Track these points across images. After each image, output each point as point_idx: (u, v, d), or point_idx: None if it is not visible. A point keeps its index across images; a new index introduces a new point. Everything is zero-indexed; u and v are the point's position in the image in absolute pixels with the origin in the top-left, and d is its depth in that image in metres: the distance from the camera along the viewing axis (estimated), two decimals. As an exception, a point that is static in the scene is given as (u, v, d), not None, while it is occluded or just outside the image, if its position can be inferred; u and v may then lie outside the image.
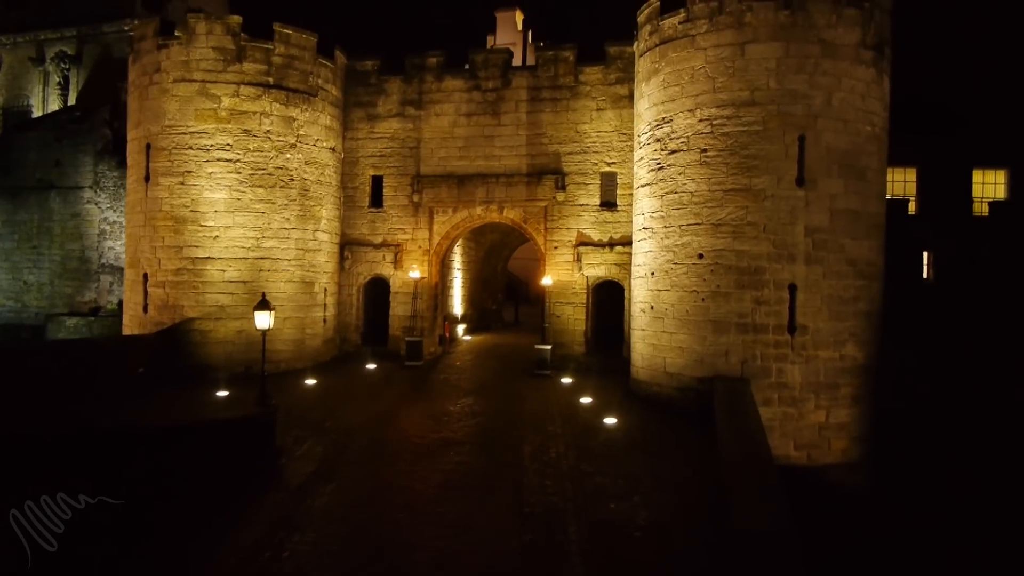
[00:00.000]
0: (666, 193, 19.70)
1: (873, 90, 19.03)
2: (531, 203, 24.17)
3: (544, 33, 63.33)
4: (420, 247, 25.01)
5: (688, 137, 19.21)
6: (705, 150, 18.92)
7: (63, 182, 34.29)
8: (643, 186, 20.67)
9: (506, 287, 36.23)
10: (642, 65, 20.88)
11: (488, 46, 57.93)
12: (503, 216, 24.61)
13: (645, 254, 20.49)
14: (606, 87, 23.60)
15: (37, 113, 43.19)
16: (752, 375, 18.35)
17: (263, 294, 17.18)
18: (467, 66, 24.69)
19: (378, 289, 25.75)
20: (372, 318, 25.92)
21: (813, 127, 18.29)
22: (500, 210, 24.48)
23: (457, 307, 29.31)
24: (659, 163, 19.92)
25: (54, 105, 43.11)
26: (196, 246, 22.01)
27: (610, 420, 18.11)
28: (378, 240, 25.37)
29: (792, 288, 18.27)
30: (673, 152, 19.53)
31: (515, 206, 24.30)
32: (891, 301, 21.51)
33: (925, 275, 29.10)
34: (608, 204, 23.64)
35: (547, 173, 23.96)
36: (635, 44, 21.68)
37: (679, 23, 19.46)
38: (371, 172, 25.50)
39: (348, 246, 25.46)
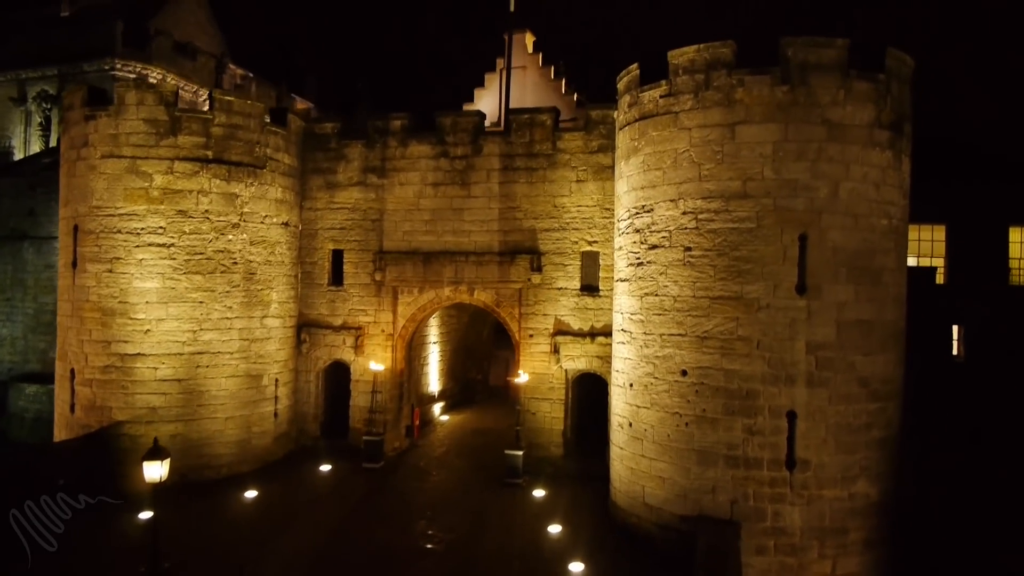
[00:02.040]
0: (646, 294, 16.95)
1: (890, 176, 16.11)
2: (504, 285, 21.54)
3: (555, 55, 60.63)
4: (383, 331, 22.50)
5: (670, 232, 16.45)
6: (689, 248, 16.14)
7: (37, 232, 32.54)
8: (622, 280, 17.94)
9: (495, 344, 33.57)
10: (621, 140, 18.16)
11: (497, 68, 55.57)
12: (474, 298, 22.01)
13: (623, 360, 17.75)
14: (587, 156, 20.89)
15: (19, 155, 41.71)
16: (743, 517, 15.52)
17: (155, 439, 14.73)
18: (435, 130, 22.13)
19: (339, 374, 23.32)
20: (333, 405, 23.49)
21: (817, 224, 15.44)
22: (470, 292, 21.89)
23: (433, 384, 26.79)
24: (638, 258, 17.18)
25: (36, 146, 41.57)
26: (125, 341, 19.76)
27: (577, 567, 15.38)
28: (338, 322, 22.92)
29: (791, 416, 15.42)
30: (654, 247, 16.78)
31: (487, 288, 21.69)
32: (915, 384, 18.56)
33: (955, 352, 25.94)
34: (589, 288, 20.92)
35: (522, 252, 21.31)
36: (615, 112, 18.97)
37: (660, 97, 16.71)
38: (331, 246, 23.07)
39: (306, 328, 23.05)
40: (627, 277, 17.60)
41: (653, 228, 16.79)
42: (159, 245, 19.81)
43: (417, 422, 24.25)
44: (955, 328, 25.83)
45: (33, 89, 41.41)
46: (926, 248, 27.67)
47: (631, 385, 17.32)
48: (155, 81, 39.15)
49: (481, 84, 56.03)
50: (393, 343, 22.50)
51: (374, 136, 22.64)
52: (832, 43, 15.53)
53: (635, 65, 17.64)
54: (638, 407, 17.08)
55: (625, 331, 17.65)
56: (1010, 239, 26.91)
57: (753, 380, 15.54)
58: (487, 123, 55.52)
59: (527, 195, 21.34)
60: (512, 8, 26.65)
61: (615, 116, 19.02)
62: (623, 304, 17.82)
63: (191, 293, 20.05)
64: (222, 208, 20.39)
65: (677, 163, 16.36)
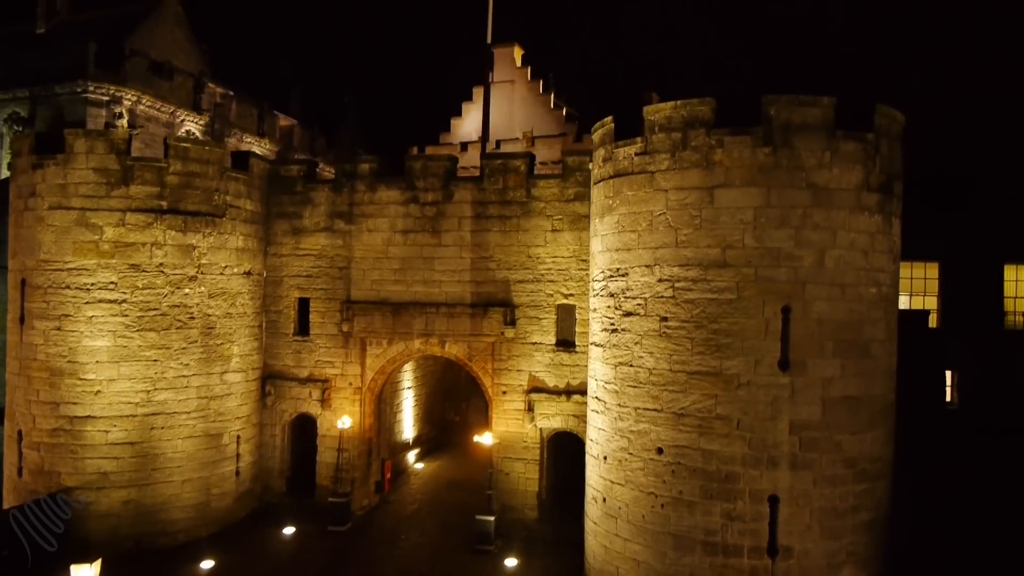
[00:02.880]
0: (620, 363, 15.94)
1: (879, 242, 15.13)
2: (476, 338, 20.51)
3: (544, 68, 59.71)
4: (351, 384, 21.46)
5: (646, 299, 15.44)
6: (666, 319, 15.14)
7: (3, 260, 31.41)
8: (596, 345, 16.93)
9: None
10: (596, 195, 17.15)
11: (488, 81, 54.56)
12: (445, 351, 20.99)
13: (597, 431, 16.74)
14: (563, 204, 19.87)
15: (-9, 178, 40.52)
16: (723, 608, 14.55)
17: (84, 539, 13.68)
18: (404, 174, 21.09)
19: (306, 427, 22.28)
20: (300, 460, 22.46)
21: (801, 295, 14.45)
22: (441, 344, 20.87)
23: (408, 430, 25.76)
24: (613, 324, 16.17)
25: (7, 171, 40.41)
26: (74, 403, 18.69)
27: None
28: (304, 374, 21.88)
29: (773, 500, 14.43)
30: (628, 315, 15.77)
31: (458, 341, 20.67)
32: (906, 433, 17.60)
33: (949, 398, 25.02)
34: (565, 343, 19.91)
35: (494, 304, 20.29)
36: (591, 163, 17.96)
37: (636, 155, 15.70)
38: (297, 294, 22.02)
39: (271, 379, 22.00)
40: (601, 343, 16.59)
41: (628, 294, 15.78)
42: (110, 301, 18.75)
43: (388, 475, 23.22)
44: (948, 374, 24.92)
45: (4, 111, 40.22)
46: (919, 286, 26.79)
47: (605, 458, 16.31)
48: (129, 103, 38.17)
49: (469, 98, 55.18)
50: (361, 397, 21.46)
51: (341, 180, 21.60)
52: (817, 102, 14.55)
53: (609, 118, 16.65)
54: (612, 483, 16.06)
55: (599, 400, 16.64)
56: (1005, 277, 26.04)
57: (733, 462, 14.55)
58: (475, 138, 54.56)
59: (500, 244, 20.32)
60: (489, 40, 25.57)
61: (590, 166, 18.02)
62: (597, 371, 16.81)
63: (145, 351, 18.99)
64: (178, 261, 19.33)
65: (653, 226, 15.36)
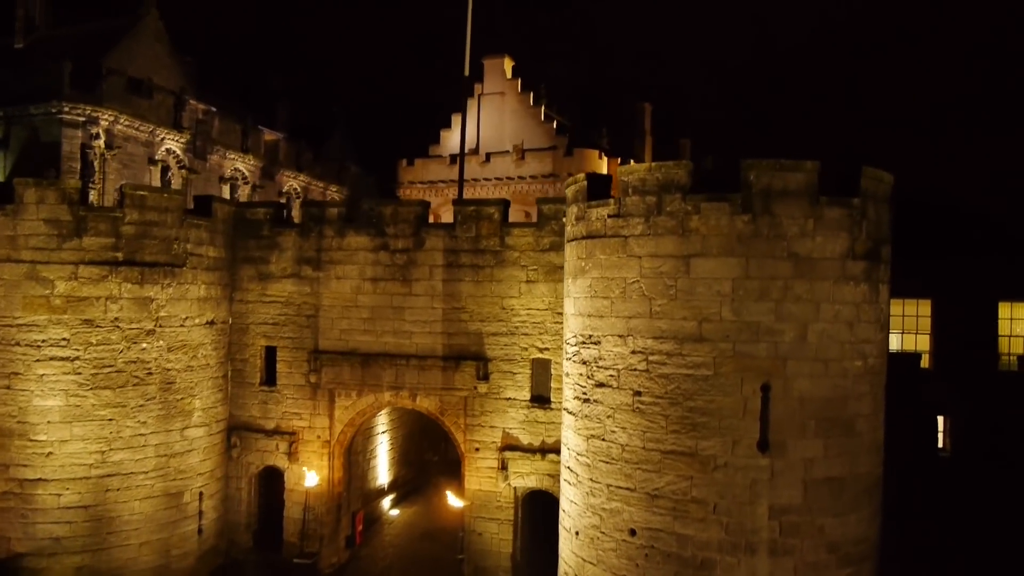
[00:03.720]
0: (592, 436, 15.10)
1: (865, 312, 14.28)
2: (448, 392, 19.66)
3: (536, 78, 58.82)
4: (319, 436, 20.61)
5: (619, 371, 14.59)
6: (639, 393, 14.29)
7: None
8: (569, 412, 16.08)
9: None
10: (569, 254, 16.30)
11: (476, 94, 53.68)
12: (416, 404, 20.15)
13: (570, 503, 15.91)
14: (538, 254, 19.01)
15: (-37, 199, 39.57)
16: None
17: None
18: (374, 220, 20.20)
19: (274, 479, 21.43)
20: (267, 513, 21.60)
21: (781, 372, 13.61)
22: (412, 397, 20.02)
23: (383, 476, 24.91)
24: (585, 393, 15.32)
25: (-18, 190, 39.46)
26: (24, 465, 17.84)
27: None
28: (271, 425, 21.02)
29: (752, 590, 13.62)
30: (601, 385, 14.92)
31: (430, 394, 19.82)
32: (895, 481, 16.82)
33: (941, 444, 24.21)
34: (540, 400, 19.07)
35: (467, 358, 19.43)
36: (565, 218, 17.10)
37: (609, 217, 14.84)
38: (263, 343, 21.15)
39: (236, 431, 21.14)
40: (574, 411, 15.74)
41: (600, 363, 14.93)
42: (62, 359, 17.89)
43: (360, 527, 22.39)
44: (940, 419, 24.10)
45: (-22, 132, 39.31)
46: (911, 324, 26.00)
47: (577, 533, 15.48)
48: (106, 124, 37.22)
49: (458, 110, 54.27)
50: (330, 450, 20.61)
51: (309, 224, 20.71)
52: (800, 166, 13.70)
53: (583, 175, 15.81)
54: (584, 560, 15.23)
55: (572, 471, 15.80)
56: (1000, 315, 25.24)
57: (709, 548, 13.73)
58: (466, 149, 53.51)
59: (473, 295, 19.46)
60: (467, 72, 24.71)
61: (564, 220, 17.15)
62: (570, 440, 15.97)
63: (99, 410, 18.14)
64: (134, 315, 18.47)
65: (626, 294, 14.50)
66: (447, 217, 53.64)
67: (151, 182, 40.51)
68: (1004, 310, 25.29)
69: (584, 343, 15.39)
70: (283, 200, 50.69)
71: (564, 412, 16.49)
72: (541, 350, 19.03)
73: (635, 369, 14.36)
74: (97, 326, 18.12)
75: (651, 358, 14.16)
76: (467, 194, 51.92)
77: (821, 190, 13.74)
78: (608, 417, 14.76)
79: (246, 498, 21.38)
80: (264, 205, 21.48)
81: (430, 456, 28.20)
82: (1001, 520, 21.99)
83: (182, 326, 19.38)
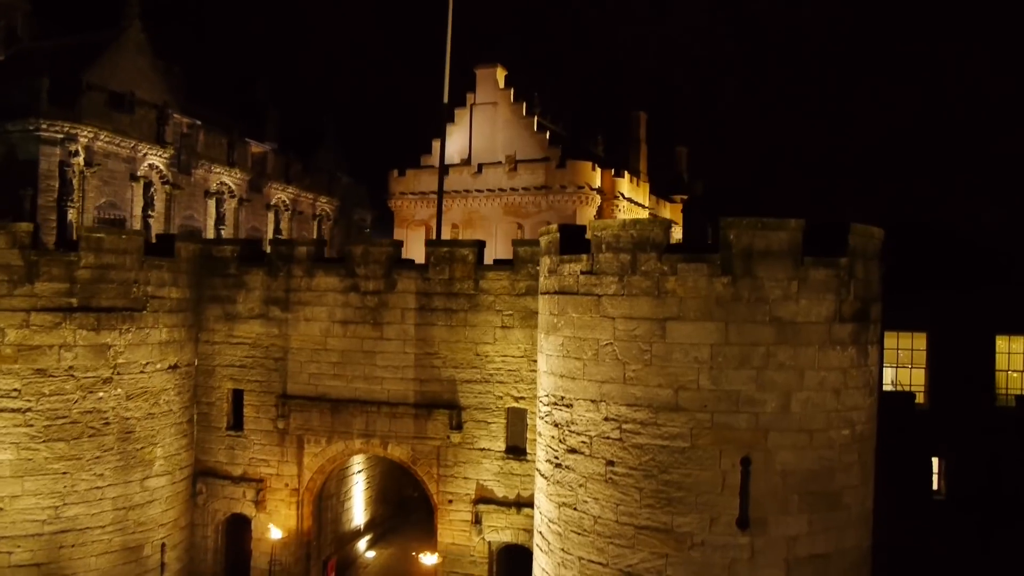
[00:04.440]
0: (564, 504, 14.25)
1: (853, 377, 13.43)
2: (421, 441, 18.83)
3: (530, 86, 57.95)
4: (287, 484, 19.78)
5: (591, 438, 13.74)
6: (612, 463, 13.45)
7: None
8: (541, 475, 15.22)
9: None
10: (542, 307, 15.44)
11: (468, 104, 52.74)
12: (388, 452, 19.34)
13: (542, 571, 15.06)
14: (513, 298, 18.15)
15: (-59, 217, 38.73)
16: None
17: None
18: (343, 260, 19.36)
19: (241, 525, 20.59)
20: (235, 563, 20.77)
21: (763, 444, 12.77)
22: (383, 446, 19.20)
23: (358, 517, 24.06)
24: (557, 457, 14.47)
25: (-40, 210, 38.62)
26: (-27, 522, 17.04)
27: None
28: (238, 472, 20.19)
29: None
30: (573, 451, 14.07)
31: (401, 443, 18.99)
32: (887, 528, 16.01)
33: (936, 487, 23.36)
34: (515, 451, 18.23)
35: (440, 406, 18.60)
36: (539, 267, 16.24)
37: (582, 273, 13.98)
38: (230, 385, 20.32)
39: (202, 477, 20.32)
40: (546, 474, 14.89)
41: (572, 428, 14.08)
42: (13, 411, 17.03)
43: (332, 574, 21.53)
44: (935, 460, 23.25)
45: (-45, 149, 38.45)
46: (905, 358, 25.16)
47: (549, 605, 14.66)
48: (85, 140, 36.38)
49: (451, 119, 53.40)
50: (299, 498, 19.78)
51: (277, 263, 19.86)
52: (783, 225, 12.84)
53: (555, 227, 14.95)
54: (556, 636, 14.41)
55: (544, 537, 14.96)
56: (997, 348, 24.40)
57: (685, 633, 12.89)
58: (457, 161, 52.68)
59: (446, 340, 18.61)
60: (445, 100, 23.84)
61: (538, 268, 16.29)
62: (542, 504, 15.13)
63: (52, 464, 17.29)
64: (90, 363, 17.62)
65: (599, 357, 13.65)
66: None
67: (133, 199, 39.72)
68: (1002, 344, 24.49)
69: (556, 404, 14.54)
70: (270, 213, 49.96)
71: (536, 475, 15.64)
72: (516, 399, 18.18)
73: (608, 437, 13.50)
74: (50, 376, 17.27)
75: (625, 426, 13.30)
76: (459, 206, 51.15)
77: (806, 250, 12.88)
78: (580, 486, 13.91)
79: (212, 547, 20.56)
80: (231, 242, 20.60)
81: (409, 492, 27.34)
82: (998, 568, 21.18)
83: (142, 372, 18.53)
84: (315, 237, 54.86)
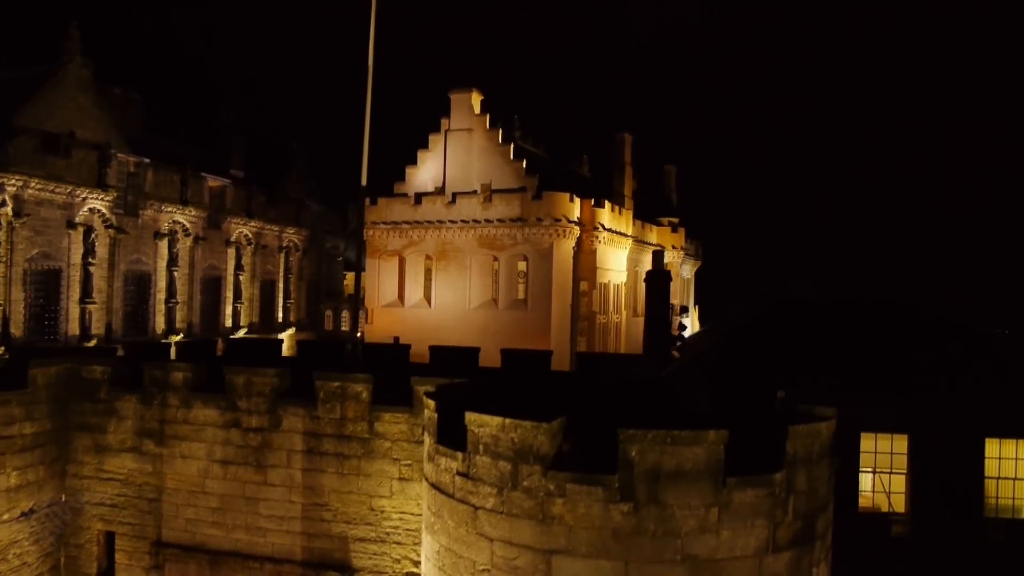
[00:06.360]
0: None
1: (792, 618, 10.63)
2: (310, 606, 16.17)
3: (508, 111, 55.18)
4: (164, 645, 17.21)
5: None
6: None
7: None
8: None
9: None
10: (424, 494, 12.68)
11: (443, 130, 49.88)
12: (274, 615, 16.67)
13: None
14: (413, 446, 15.42)
15: None
16: None
17: None
18: (224, 390, 16.65)
19: None
20: None
21: None
22: (269, 607, 16.55)
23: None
24: None
25: None
26: None
27: None
28: (109, 627, 17.65)
29: None
30: None
31: (289, 606, 16.34)
32: None
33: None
34: (416, 626, 15.56)
35: (330, 566, 15.88)
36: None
37: (458, 473, 11.23)
38: (100, 526, 17.68)
39: (71, 630, 17.78)
40: None
41: (447, 663, 11.38)
42: None
43: None
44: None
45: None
46: (884, 462, 22.28)
47: None
48: (13, 189, 33.77)
49: (425, 145, 50.63)
50: (177, 660, 17.21)
51: (151, 389, 17.17)
52: (700, 439, 10.04)
53: (433, 404, 12.16)
54: None
55: None
56: (986, 453, 21.54)
57: None
58: (431, 189, 49.76)
59: (337, 491, 15.90)
60: (364, 182, 21.03)
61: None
62: None
63: None
64: (-87, 525, 15.07)
65: (476, 585, 10.92)
66: (411, 261, 49.67)
67: (71, 247, 37.07)
68: (991, 447, 21.63)
69: (433, 625, 11.84)
70: (230, 250, 47.35)
71: None
72: (416, 563, 15.48)
73: None
74: None
75: None
76: (433, 237, 48.34)
77: (729, 467, 10.12)
78: None
79: None
80: (102, 362, 17.88)
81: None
82: None
83: (-16, 528, 15.97)
84: (282, 268, 52.43)
